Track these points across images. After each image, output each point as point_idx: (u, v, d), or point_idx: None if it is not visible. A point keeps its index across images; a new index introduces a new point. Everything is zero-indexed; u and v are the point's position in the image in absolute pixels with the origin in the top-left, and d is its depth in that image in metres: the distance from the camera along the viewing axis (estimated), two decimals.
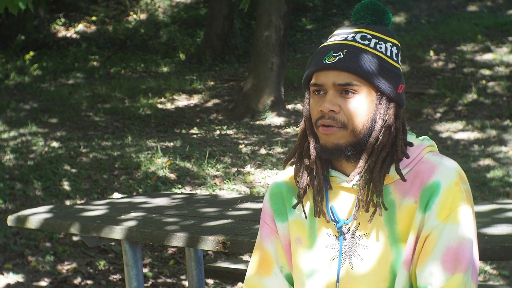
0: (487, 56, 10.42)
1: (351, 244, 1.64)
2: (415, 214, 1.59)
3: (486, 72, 9.91)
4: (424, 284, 1.57)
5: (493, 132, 7.84)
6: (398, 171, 1.60)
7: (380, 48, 1.63)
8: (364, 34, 1.63)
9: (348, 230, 1.65)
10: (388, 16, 1.68)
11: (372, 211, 1.61)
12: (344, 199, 1.67)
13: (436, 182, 1.58)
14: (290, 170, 1.78)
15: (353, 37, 1.63)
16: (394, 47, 1.66)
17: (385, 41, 1.64)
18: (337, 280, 1.65)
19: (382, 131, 1.61)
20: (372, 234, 1.62)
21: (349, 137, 1.60)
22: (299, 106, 9.62)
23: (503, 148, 7.31)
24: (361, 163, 1.60)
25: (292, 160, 1.72)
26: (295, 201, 1.74)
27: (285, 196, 1.76)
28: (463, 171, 1.64)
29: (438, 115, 8.80)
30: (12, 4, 3.18)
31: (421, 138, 1.70)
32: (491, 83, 9.53)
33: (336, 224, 1.65)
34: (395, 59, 1.65)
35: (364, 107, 1.60)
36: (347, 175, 1.66)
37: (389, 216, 1.61)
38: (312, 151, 1.65)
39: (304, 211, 1.70)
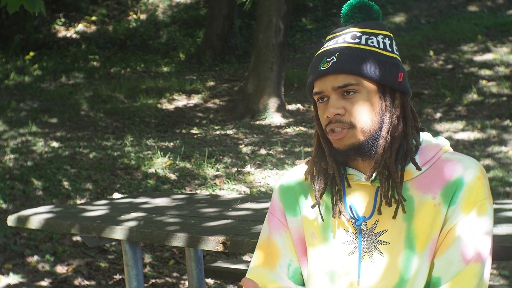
0: (487, 56, 10.43)
1: (371, 240, 1.65)
2: (440, 210, 1.60)
3: (486, 72, 9.92)
4: (439, 274, 1.59)
5: (493, 132, 7.84)
6: (413, 160, 1.61)
7: (372, 42, 1.64)
8: (353, 33, 1.65)
9: (367, 227, 1.66)
10: (375, 10, 1.69)
11: (394, 207, 1.63)
12: (362, 196, 1.68)
13: (460, 177, 1.60)
14: (301, 167, 1.80)
15: (343, 38, 1.65)
16: (387, 38, 1.67)
17: (376, 35, 1.65)
18: (359, 276, 1.65)
19: (391, 121, 1.62)
20: (391, 230, 1.64)
21: (360, 135, 1.61)
22: (299, 106, 9.63)
23: (503, 148, 7.32)
24: (378, 158, 1.61)
25: (308, 167, 1.74)
26: (308, 197, 1.75)
27: (297, 191, 1.77)
28: (483, 167, 1.66)
29: (438, 115, 8.80)
30: (28, 5, 3.19)
31: (436, 138, 1.71)
32: (491, 83, 9.53)
33: (356, 222, 1.66)
34: (390, 49, 1.66)
35: (368, 103, 1.61)
36: (364, 173, 1.67)
37: (408, 212, 1.63)
38: (329, 158, 1.67)
39: (320, 213, 1.71)
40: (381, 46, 1.65)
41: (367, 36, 1.64)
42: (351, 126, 1.61)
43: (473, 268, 1.57)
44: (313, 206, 1.71)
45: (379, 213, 1.64)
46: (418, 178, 1.64)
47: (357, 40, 1.64)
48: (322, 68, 1.63)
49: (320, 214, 1.71)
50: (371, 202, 1.66)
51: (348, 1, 1.71)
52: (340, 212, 1.68)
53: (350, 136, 1.61)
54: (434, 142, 1.68)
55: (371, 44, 1.63)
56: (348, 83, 1.60)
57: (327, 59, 1.63)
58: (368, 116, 1.61)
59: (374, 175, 1.63)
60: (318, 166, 1.71)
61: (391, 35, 1.69)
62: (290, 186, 1.78)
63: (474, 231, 1.58)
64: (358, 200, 1.68)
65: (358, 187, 1.68)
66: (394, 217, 1.62)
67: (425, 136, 1.70)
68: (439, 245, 1.61)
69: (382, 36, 1.66)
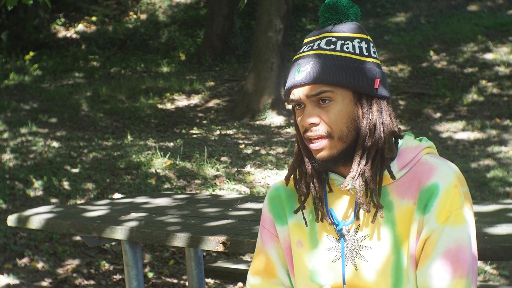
0: (487, 56, 10.43)
1: (353, 246, 1.64)
2: (413, 215, 1.59)
3: (486, 72, 9.92)
4: (422, 287, 1.57)
5: (493, 132, 7.84)
6: (388, 168, 1.59)
7: (348, 48, 1.60)
8: (329, 38, 1.62)
9: (348, 232, 1.65)
10: (354, 10, 1.65)
11: (373, 212, 1.62)
12: (343, 201, 1.67)
13: (434, 184, 1.57)
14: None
15: (319, 44, 1.62)
16: (363, 42, 1.63)
17: (352, 39, 1.62)
18: (344, 283, 1.65)
19: (368, 128, 1.60)
20: (373, 235, 1.62)
21: (339, 145, 1.60)
22: None
23: (503, 148, 7.32)
24: (354, 166, 1.60)
25: (288, 172, 1.73)
26: (294, 205, 1.74)
27: (284, 200, 1.76)
28: (461, 173, 1.63)
29: (438, 115, 8.80)
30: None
31: (419, 139, 1.69)
32: (491, 83, 9.53)
33: (336, 226, 1.65)
34: (366, 53, 1.62)
35: (344, 111, 1.59)
36: (344, 177, 1.65)
37: (388, 217, 1.61)
38: (308, 165, 1.66)
39: (304, 218, 1.70)
40: (357, 51, 1.61)
41: (343, 42, 1.61)
42: (328, 135, 1.59)
43: (458, 284, 1.55)
44: (296, 211, 1.70)
45: (358, 218, 1.63)
46: (397, 182, 1.62)
47: (332, 47, 1.60)
48: (296, 78, 1.61)
49: (304, 219, 1.70)
50: (352, 207, 1.65)
51: (325, 1, 1.67)
52: (322, 216, 1.66)
53: (329, 146, 1.59)
54: (414, 144, 1.65)
55: (346, 50, 1.60)
56: (322, 90, 1.58)
57: (302, 68, 1.60)
58: (344, 124, 1.59)
59: (350, 184, 1.61)
60: (300, 171, 1.69)
61: (369, 38, 1.66)
62: (278, 195, 1.78)
63: (452, 242, 1.55)
64: (339, 205, 1.67)
65: (340, 192, 1.67)
66: (372, 222, 1.61)
67: (406, 138, 1.67)
68: (418, 255, 1.59)
69: (359, 40, 1.62)
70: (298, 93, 1.61)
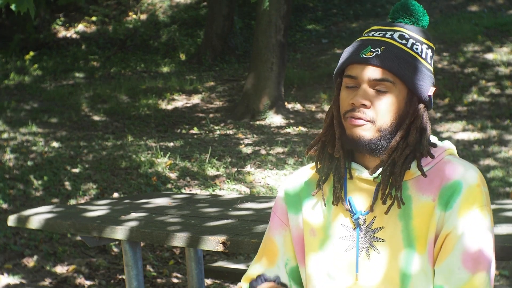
0: (487, 56, 10.43)
1: (367, 236, 1.66)
2: (434, 211, 1.61)
3: (486, 72, 9.92)
4: (442, 282, 1.59)
5: (493, 132, 7.84)
6: (420, 167, 1.62)
7: (417, 49, 1.65)
8: (402, 33, 1.66)
9: (364, 222, 1.67)
10: (426, 18, 1.70)
11: (389, 203, 1.63)
12: (362, 191, 1.69)
13: (458, 181, 1.60)
14: (306, 170, 1.81)
15: (392, 35, 1.65)
16: (429, 50, 1.68)
17: (422, 43, 1.66)
18: (356, 271, 1.66)
19: (409, 130, 1.63)
20: (387, 227, 1.64)
21: (376, 132, 1.62)
22: (299, 106, 9.63)
23: (503, 148, 7.32)
24: (385, 157, 1.62)
25: (315, 147, 1.74)
26: (310, 195, 1.75)
27: (301, 190, 1.78)
28: (483, 176, 1.66)
29: (438, 115, 8.80)
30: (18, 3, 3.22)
31: (442, 141, 1.72)
32: (491, 83, 9.53)
33: (353, 215, 1.67)
34: (429, 61, 1.67)
35: (394, 106, 1.62)
36: (367, 168, 1.67)
37: (405, 211, 1.63)
38: (337, 141, 1.67)
39: (323, 198, 1.72)
40: (424, 55, 1.66)
41: (414, 41, 1.65)
42: (372, 121, 1.61)
43: (478, 278, 1.57)
44: (314, 193, 1.72)
45: (371, 210, 1.65)
46: (418, 178, 1.64)
47: (404, 42, 1.64)
48: (364, 56, 1.62)
49: (323, 199, 1.72)
50: (370, 198, 1.67)
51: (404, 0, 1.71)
52: (339, 199, 1.68)
53: (366, 129, 1.62)
54: (438, 144, 1.69)
55: (415, 50, 1.64)
56: (386, 78, 1.61)
57: (372, 49, 1.63)
58: (389, 117, 1.62)
59: (378, 171, 1.64)
60: (324, 151, 1.72)
61: (434, 48, 1.70)
62: (295, 185, 1.80)
63: (473, 237, 1.58)
64: (357, 194, 1.69)
65: (360, 181, 1.69)
66: (386, 213, 1.63)
67: (431, 139, 1.71)
68: (437, 251, 1.61)
69: (427, 46, 1.67)
70: (359, 72, 1.63)
